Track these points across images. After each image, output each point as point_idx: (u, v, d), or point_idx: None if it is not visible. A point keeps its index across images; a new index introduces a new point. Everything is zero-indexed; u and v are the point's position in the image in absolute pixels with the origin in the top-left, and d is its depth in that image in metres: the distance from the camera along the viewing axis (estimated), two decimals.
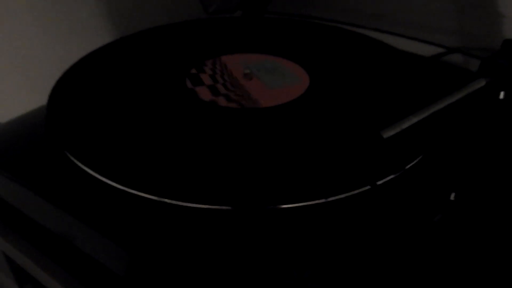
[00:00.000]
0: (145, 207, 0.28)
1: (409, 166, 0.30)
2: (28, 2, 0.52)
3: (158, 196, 0.28)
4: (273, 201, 0.27)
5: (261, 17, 0.53)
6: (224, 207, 0.27)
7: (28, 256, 0.32)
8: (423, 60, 0.46)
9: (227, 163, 0.30)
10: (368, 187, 0.27)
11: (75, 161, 0.30)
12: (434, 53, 0.51)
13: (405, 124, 0.29)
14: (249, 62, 0.41)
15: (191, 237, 0.27)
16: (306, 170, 0.29)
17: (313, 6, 0.55)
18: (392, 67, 0.42)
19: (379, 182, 0.27)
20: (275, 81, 0.39)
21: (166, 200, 0.28)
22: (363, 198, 0.28)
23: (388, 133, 0.28)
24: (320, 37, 0.47)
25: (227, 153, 0.31)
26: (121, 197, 0.28)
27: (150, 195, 0.28)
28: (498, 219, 0.29)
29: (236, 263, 0.25)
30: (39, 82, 0.40)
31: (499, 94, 0.37)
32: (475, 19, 0.50)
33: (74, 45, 0.45)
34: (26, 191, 0.31)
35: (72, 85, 0.38)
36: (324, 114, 0.35)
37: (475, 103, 0.37)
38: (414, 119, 0.30)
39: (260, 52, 0.43)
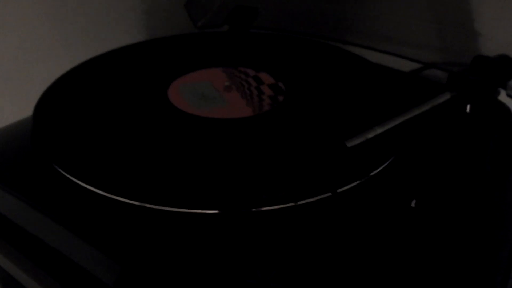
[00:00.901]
0: (129, 213, 0.29)
1: (374, 172, 0.32)
2: (24, 12, 0.54)
3: (140, 201, 0.29)
4: (248, 205, 0.29)
5: (246, 32, 0.55)
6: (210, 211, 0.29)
7: (16, 263, 0.33)
8: (401, 74, 0.48)
9: (202, 170, 0.32)
10: (330, 193, 0.28)
11: (61, 170, 0.32)
12: (412, 68, 0.53)
13: (370, 134, 0.31)
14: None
15: (167, 243, 0.28)
16: (277, 175, 0.31)
17: (297, 21, 0.57)
18: (368, 81, 0.44)
19: (341, 190, 0.29)
20: None
21: (147, 205, 0.29)
22: (331, 202, 0.30)
23: (352, 142, 0.30)
24: (300, 51, 0.49)
25: (200, 160, 0.33)
26: (107, 205, 0.30)
27: (133, 200, 0.29)
28: (456, 229, 0.31)
29: (209, 263, 0.27)
30: (31, 91, 0.41)
31: (466, 108, 0.39)
32: (453, 36, 0.51)
33: (65, 57, 0.47)
34: (14, 199, 0.33)
35: (57, 98, 0.40)
36: (297, 124, 0.37)
37: (444, 115, 0.38)
38: (379, 130, 0.31)
39: (244, 65, 0.45)
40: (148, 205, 0.29)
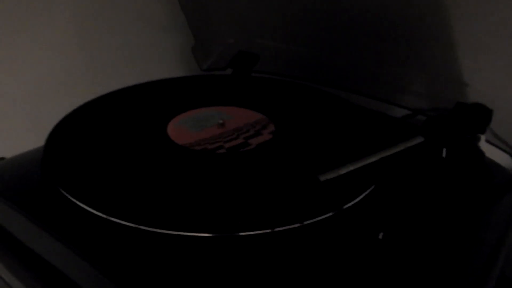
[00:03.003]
0: (126, 235, 0.32)
1: (347, 206, 0.34)
2: (41, 49, 0.59)
3: (136, 223, 0.32)
4: (227, 230, 0.32)
5: (248, 75, 0.59)
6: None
7: (21, 280, 0.36)
8: (384, 117, 0.51)
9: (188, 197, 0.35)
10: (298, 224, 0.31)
11: (66, 194, 0.35)
12: (403, 114, 0.56)
13: (342, 170, 0.34)
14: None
15: (160, 263, 0.31)
16: (255, 204, 0.34)
17: (291, 66, 0.61)
18: (352, 122, 0.47)
19: (308, 221, 0.31)
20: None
21: (142, 227, 0.32)
22: (307, 230, 0.32)
23: (325, 177, 0.33)
24: (294, 94, 0.53)
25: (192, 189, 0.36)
26: (106, 226, 0.33)
27: (129, 222, 0.32)
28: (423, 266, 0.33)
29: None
30: (44, 124, 0.45)
31: (442, 152, 0.42)
32: (440, 85, 0.55)
33: (77, 95, 0.51)
34: (22, 218, 0.36)
35: (68, 130, 0.44)
36: (280, 160, 0.40)
37: (419, 158, 0.41)
38: (351, 167, 0.34)
39: (243, 106, 0.49)
40: (143, 227, 0.32)
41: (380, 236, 0.33)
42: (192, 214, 0.33)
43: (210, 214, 0.33)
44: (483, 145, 0.46)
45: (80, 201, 0.34)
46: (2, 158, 0.44)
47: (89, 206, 0.34)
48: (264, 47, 0.62)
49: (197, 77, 0.58)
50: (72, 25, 0.60)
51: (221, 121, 0.44)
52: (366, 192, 0.36)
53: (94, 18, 0.62)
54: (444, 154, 0.41)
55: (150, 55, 0.67)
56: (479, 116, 0.45)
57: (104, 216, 0.33)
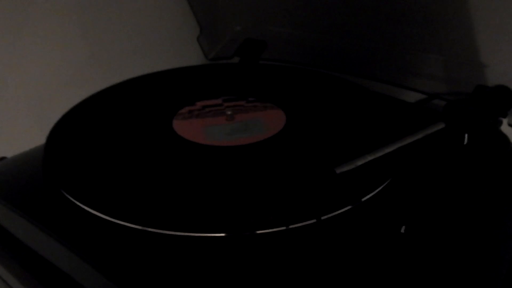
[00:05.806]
0: (129, 237, 0.31)
1: (365, 198, 0.32)
2: (44, 44, 0.57)
3: (142, 225, 0.31)
4: (246, 228, 0.30)
5: (256, 63, 0.57)
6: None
7: (22, 282, 0.34)
8: (400, 103, 0.49)
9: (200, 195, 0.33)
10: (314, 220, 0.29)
11: (68, 196, 0.34)
12: (417, 99, 0.53)
13: (360, 162, 0.32)
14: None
15: (169, 266, 0.29)
16: (267, 201, 0.32)
17: (301, 53, 0.59)
18: (367, 109, 0.45)
19: (326, 216, 0.30)
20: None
21: (149, 229, 0.31)
22: (323, 226, 0.31)
23: (342, 169, 0.31)
24: (304, 81, 0.51)
25: (201, 186, 0.34)
26: (111, 229, 0.31)
27: (134, 224, 0.31)
28: (446, 257, 0.31)
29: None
30: (48, 121, 0.44)
31: (463, 138, 0.39)
32: (457, 68, 0.52)
33: (82, 90, 0.49)
34: (23, 221, 0.34)
35: (69, 128, 0.42)
36: (293, 151, 0.38)
37: (440, 145, 0.39)
38: (369, 157, 0.32)
39: (252, 95, 0.47)
40: (150, 229, 0.31)
41: (403, 230, 0.31)
42: (202, 213, 0.31)
43: (222, 213, 0.31)
44: (504, 128, 0.44)
45: (83, 203, 0.33)
46: (3, 158, 0.42)
47: (92, 208, 0.32)
48: (272, 34, 0.59)
49: (203, 66, 0.56)
50: (74, 17, 0.58)
51: (229, 113, 0.42)
52: (385, 184, 0.34)
53: (96, 9, 0.60)
54: (465, 141, 0.39)
55: (155, 46, 0.66)
56: (501, 99, 0.42)
57: (108, 218, 0.31)
